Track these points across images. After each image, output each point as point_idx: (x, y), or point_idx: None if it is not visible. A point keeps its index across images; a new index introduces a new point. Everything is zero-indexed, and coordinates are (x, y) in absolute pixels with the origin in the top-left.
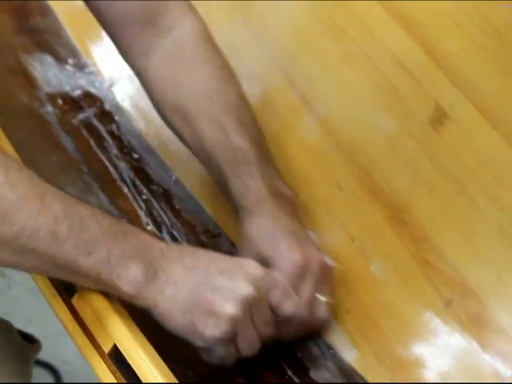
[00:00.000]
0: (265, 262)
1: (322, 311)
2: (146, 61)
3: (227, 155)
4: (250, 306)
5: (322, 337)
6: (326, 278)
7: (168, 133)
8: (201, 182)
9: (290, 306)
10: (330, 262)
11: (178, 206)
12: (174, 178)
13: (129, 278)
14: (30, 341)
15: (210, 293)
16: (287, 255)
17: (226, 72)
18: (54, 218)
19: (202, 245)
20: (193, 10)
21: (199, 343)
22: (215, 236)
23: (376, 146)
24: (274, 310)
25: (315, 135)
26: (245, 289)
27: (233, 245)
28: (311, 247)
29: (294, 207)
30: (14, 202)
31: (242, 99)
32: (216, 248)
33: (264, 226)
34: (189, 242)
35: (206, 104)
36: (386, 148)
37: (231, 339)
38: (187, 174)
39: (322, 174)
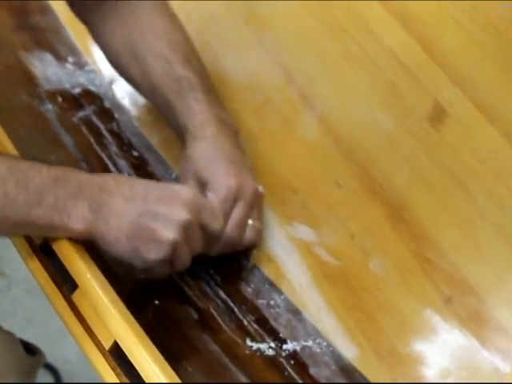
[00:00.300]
0: (202, 184)
1: (250, 233)
2: (100, 15)
3: (172, 84)
4: (186, 229)
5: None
6: (258, 204)
7: (168, 130)
8: None
9: (216, 225)
10: (261, 190)
11: None
12: (173, 175)
13: (78, 217)
14: (33, 352)
15: (150, 220)
16: (223, 180)
17: (175, 19)
18: (1, 179)
19: None
20: None
21: (141, 266)
22: None
23: (375, 143)
24: (202, 228)
25: (314, 132)
26: (181, 214)
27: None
28: (246, 175)
29: (236, 135)
30: None
31: (188, 42)
32: None
33: (205, 149)
34: None
35: (153, 40)
36: (385, 145)
37: (170, 260)
38: None
39: (321, 171)
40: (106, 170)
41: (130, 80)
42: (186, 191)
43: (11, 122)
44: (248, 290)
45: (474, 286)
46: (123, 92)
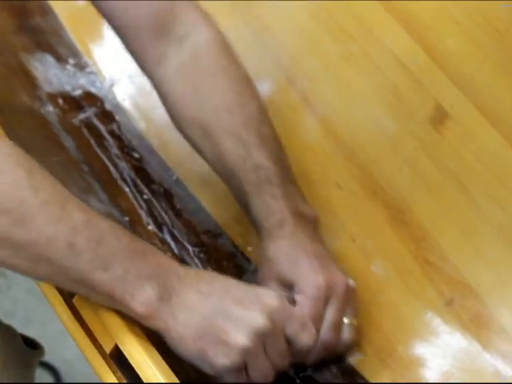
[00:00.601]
0: (287, 285)
1: (346, 334)
2: (161, 71)
3: (249, 173)
4: (264, 338)
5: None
6: (350, 301)
7: (168, 133)
8: (202, 182)
9: (306, 338)
10: (352, 283)
11: (178, 206)
12: (174, 177)
13: (142, 299)
14: (33, 346)
15: (222, 321)
16: (310, 278)
17: (246, 84)
18: (73, 228)
19: (203, 245)
20: (208, 19)
21: (209, 371)
22: (216, 236)
23: (376, 145)
24: (290, 342)
25: (315, 134)
26: (259, 320)
27: (234, 245)
28: (334, 269)
29: (316, 227)
30: (35, 207)
31: (263, 112)
32: (217, 248)
33: (286, 248)
34: (189, 241)
35: (226, 118)
36: (387, 147)
37: (242, 370)
38: (188, 174)
39: (322, 173)
40: (107, 171)
41: (201, 154)
42: (270, 296)
43: (12, 124)
44: None
45: (475, 287)
46: (124, 94)
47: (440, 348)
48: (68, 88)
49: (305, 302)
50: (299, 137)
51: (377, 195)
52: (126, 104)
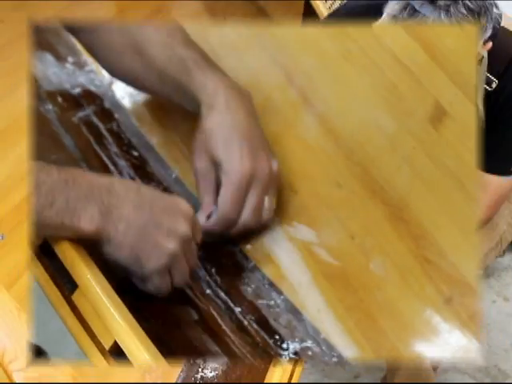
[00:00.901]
0: (215, 163)
1: (266, 216)
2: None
3: (178, 66)
4: (185, 242)
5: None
6: (273, 183)
7: (168, 131)
8: None
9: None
10: (276, 166)
11: None
12: (173, 175)
13: (88, 218)
14: (38, 353)
15: (154, 230)
16: (236, 162)
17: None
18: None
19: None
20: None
21: (139, 273)
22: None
23: (375, 143)
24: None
25: (315, 133)
26: (183, 227)
27: (233, 243)
28: (262, 154)
29: (249, 99)
30: None
31: (185, 33)
32: (216, 246)
33: (221, 125)
34: None
35: (152, 31)
36: (386, 146)
37: (167, 271)
38: (187, 172)
39: (321, 171)
40: (106, 169)
41: (133, 77)
42: (186, 205)
43: None
44: (248, 291)
45: (473, 286)
46: (123, 92)
47: (439, 345)
48: (67, 86)
49: (228, 186)
50: (298, 135)
51: (376, 193)
52: (125, 102)
